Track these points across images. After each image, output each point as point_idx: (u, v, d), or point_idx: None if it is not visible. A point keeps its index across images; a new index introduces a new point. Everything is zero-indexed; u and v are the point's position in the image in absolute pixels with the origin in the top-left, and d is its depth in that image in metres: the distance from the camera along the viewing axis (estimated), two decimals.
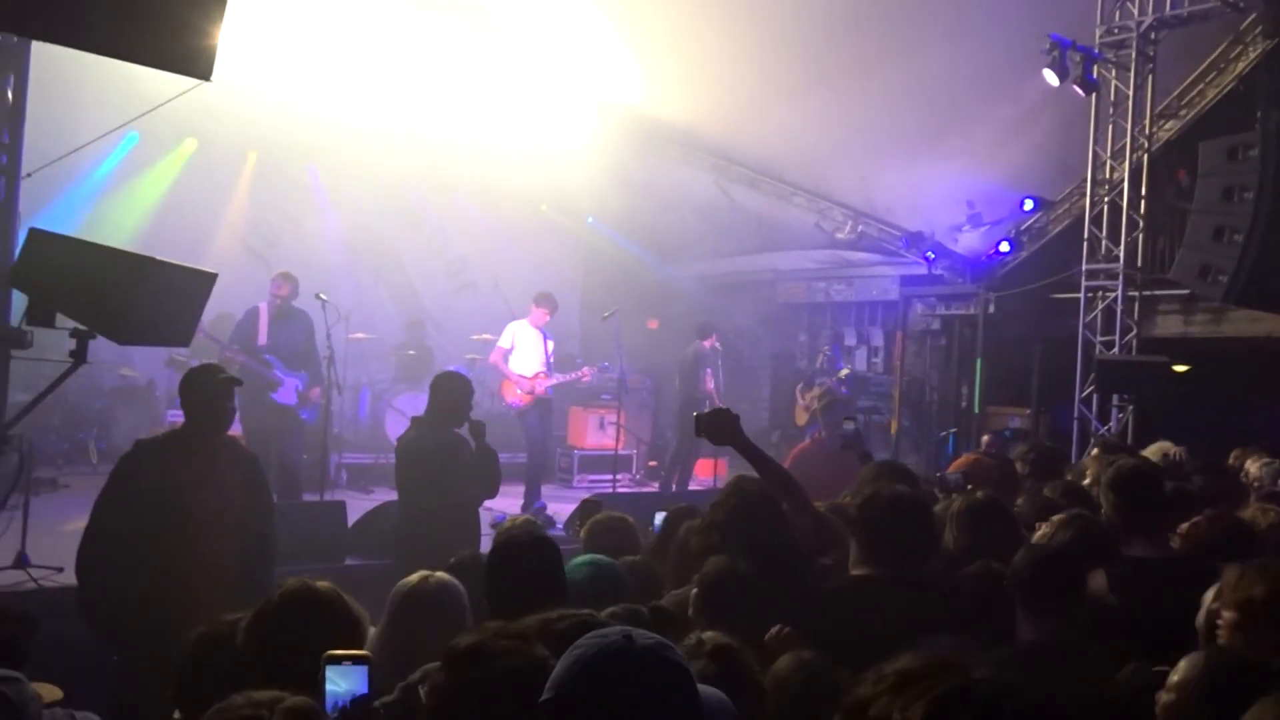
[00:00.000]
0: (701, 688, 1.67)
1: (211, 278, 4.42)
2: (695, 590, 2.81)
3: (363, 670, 1.99)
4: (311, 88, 9.22)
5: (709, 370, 10.21)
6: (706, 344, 10.25)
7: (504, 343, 9.18)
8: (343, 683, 1.97)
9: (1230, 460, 5.14)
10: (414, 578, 2.86)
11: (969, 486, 4.90)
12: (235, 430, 6.27)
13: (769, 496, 3.33)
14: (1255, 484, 4.87)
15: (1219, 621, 2.39)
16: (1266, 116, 7.34)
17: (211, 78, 4.02)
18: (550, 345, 9.31)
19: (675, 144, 10.98)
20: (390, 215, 11.94)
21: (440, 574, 2.88)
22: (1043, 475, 4.58)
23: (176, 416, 8.35)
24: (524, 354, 9.12)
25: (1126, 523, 3.29)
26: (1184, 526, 3.41)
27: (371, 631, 2.62)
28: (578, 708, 1.51)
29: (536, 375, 9.06)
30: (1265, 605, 2.32)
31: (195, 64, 3.99)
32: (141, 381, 10.18)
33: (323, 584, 2.42)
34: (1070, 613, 2.56)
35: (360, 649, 2.14)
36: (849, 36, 8.69)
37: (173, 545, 3.85)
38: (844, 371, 11.05)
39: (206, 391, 4.08)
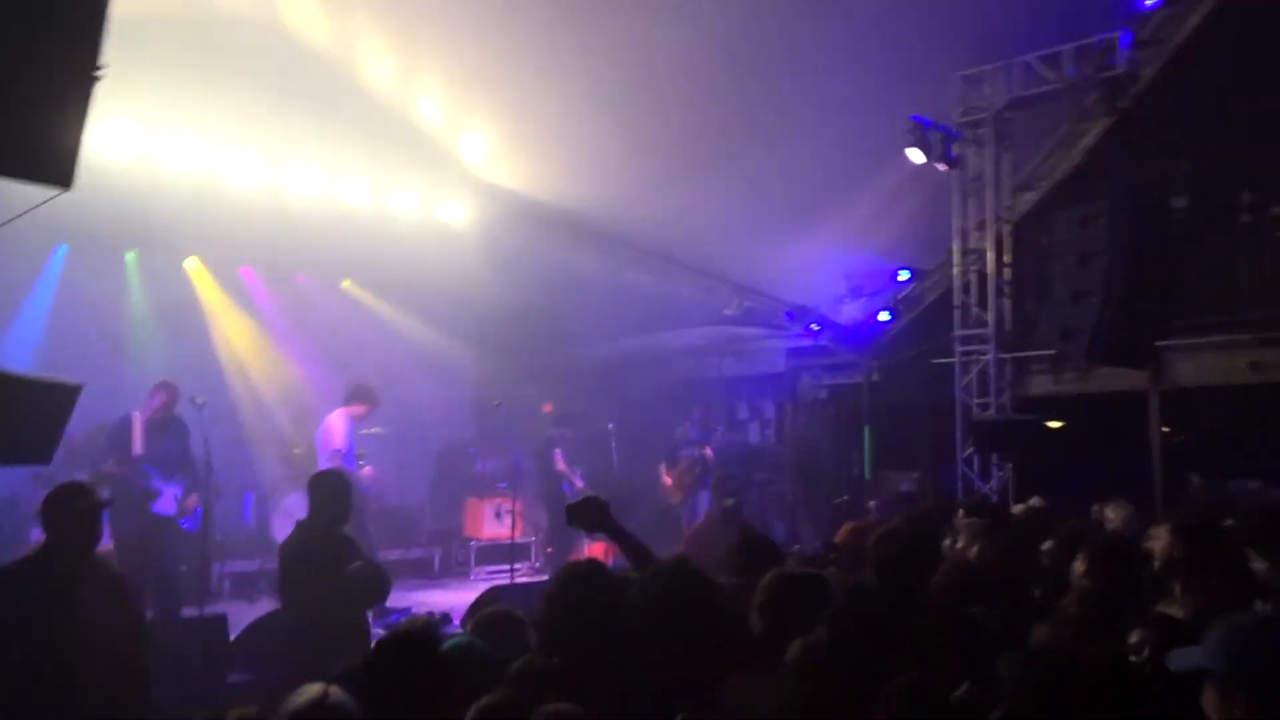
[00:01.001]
0: None
1: (75, 390, 4.20)
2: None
3: None
4: (186, 182, 8.98)
5: (559, 451, 10.79)
6: (556, 431, 10.93)
7: (341, 444, 8.56)
8: None
9: (1092, 514, 5.45)
10: (295, 697, 2.67)
11: None
12: (107, 544, 5.95)
13: (599, 569, 3.39)
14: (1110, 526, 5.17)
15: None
16: (1112, 185, 7.89)
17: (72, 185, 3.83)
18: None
19: (563, 229, 11.11)
20: (275, 308, 11.68)
21: (313, 689, 2.65)
22: None
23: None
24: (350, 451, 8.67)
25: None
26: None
27: None
28: None
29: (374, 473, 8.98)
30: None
31: (55, 171, 3.78)
32: (1, 499, 9.55)
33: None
34: None
35: None
36: (727, 124, 9.05)
37: (40, 675, 3.63)
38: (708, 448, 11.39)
39: (73, 513, 3.88)
